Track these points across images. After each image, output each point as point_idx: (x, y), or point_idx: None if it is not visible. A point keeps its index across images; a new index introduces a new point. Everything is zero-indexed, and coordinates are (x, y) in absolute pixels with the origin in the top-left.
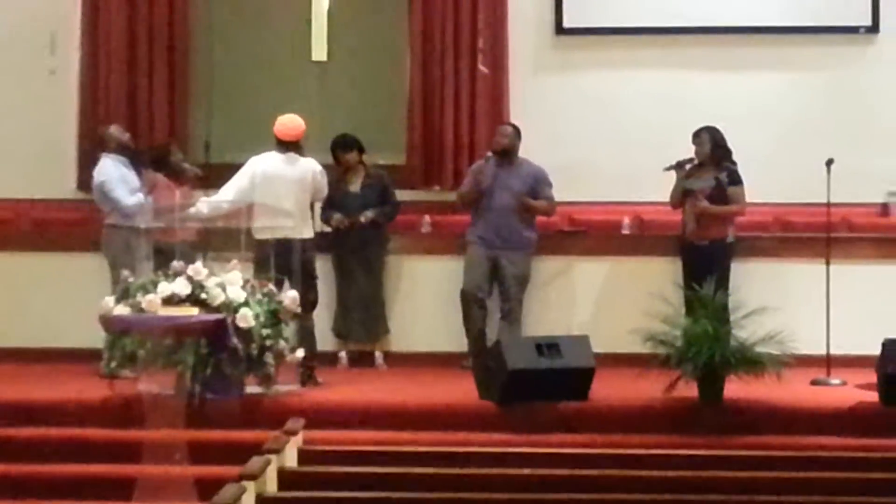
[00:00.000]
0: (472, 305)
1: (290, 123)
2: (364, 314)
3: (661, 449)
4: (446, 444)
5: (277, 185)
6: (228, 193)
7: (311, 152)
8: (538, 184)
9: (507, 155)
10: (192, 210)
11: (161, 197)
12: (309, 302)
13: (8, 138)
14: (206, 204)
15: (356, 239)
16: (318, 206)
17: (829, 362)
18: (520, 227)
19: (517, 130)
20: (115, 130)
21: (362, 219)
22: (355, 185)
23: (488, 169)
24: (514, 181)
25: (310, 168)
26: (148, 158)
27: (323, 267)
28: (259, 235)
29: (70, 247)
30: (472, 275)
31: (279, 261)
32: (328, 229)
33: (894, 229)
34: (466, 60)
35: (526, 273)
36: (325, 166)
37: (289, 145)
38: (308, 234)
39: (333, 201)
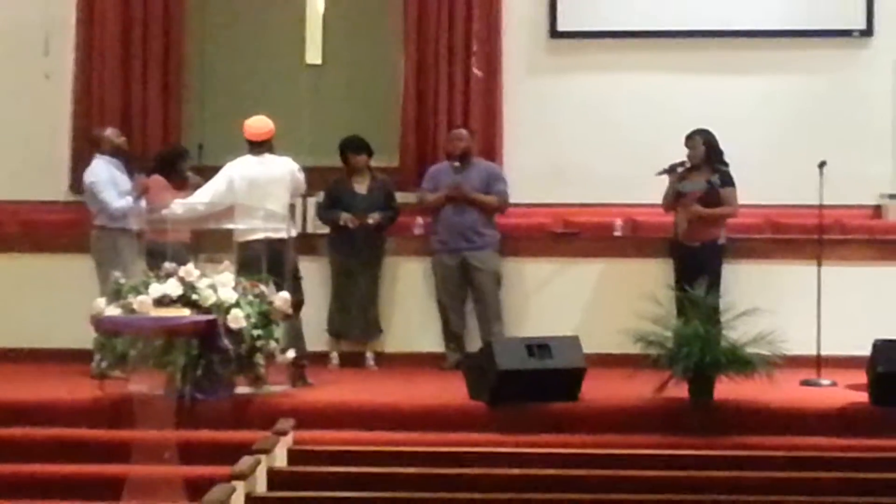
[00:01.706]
0: (448, 313)
1: (258, 124)
2: (362, 314)
3: (651, 449)
4: (436, 445)
5: (258, 187)
6: (204, 196)
7: (304, 155)
8: (491, 180)
9: (464, 158)
10: (166, 211)
11: (155, 199)
12: (295, 302)
13: (1, 140)
14: (180, 205)
15: (360, 240)
16: (311, 205)
17: (819, 363)
18: (481, 226)
19: (471, 132)
20: (112, 133)
21: (370, 220)
22: (362, 188)
23: (446, 174)
24: (472, 182)
25: (287, 167)
26: (158, 157)
27: (320, 267)
28: (240, 238)
29: (61, 248)
30: (445, 283)
31: (263, 262)
32: (326, 230)
33: (886, 232)
34: (460, 63)
35: (496, 270)
36: (330, 168)
37: (261, 145)
38: (290, 233)
39: (340, 202)
